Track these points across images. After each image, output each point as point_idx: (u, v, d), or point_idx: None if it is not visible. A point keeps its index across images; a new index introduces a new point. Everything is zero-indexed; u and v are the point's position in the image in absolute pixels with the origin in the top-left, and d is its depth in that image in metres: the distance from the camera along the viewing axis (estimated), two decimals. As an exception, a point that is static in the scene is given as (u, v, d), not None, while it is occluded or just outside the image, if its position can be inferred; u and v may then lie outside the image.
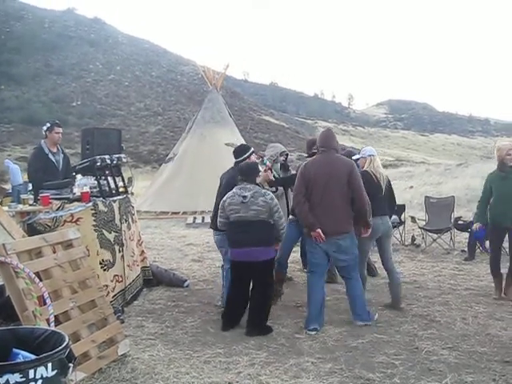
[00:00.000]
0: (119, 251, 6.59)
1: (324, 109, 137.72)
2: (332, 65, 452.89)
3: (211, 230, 6.71)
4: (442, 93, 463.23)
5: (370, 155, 6.56)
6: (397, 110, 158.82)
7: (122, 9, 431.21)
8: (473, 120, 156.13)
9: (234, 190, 5.90)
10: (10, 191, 6.68)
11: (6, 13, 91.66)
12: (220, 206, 5.94)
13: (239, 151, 6.67)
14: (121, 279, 6.62)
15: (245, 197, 5.76)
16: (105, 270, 6.25)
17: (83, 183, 6.74)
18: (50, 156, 7.31)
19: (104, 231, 6.29)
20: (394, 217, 10.67)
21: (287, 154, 7.90)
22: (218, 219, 6.00)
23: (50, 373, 2.76)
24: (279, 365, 4.79)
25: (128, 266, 6.92)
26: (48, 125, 7.39)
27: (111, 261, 6.39)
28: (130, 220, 7.19)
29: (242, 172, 6.00)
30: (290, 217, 6.99)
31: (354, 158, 6.66)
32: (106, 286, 6.20)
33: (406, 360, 4.88)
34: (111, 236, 6.44)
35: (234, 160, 6.64)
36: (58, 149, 7.46)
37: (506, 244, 7.20)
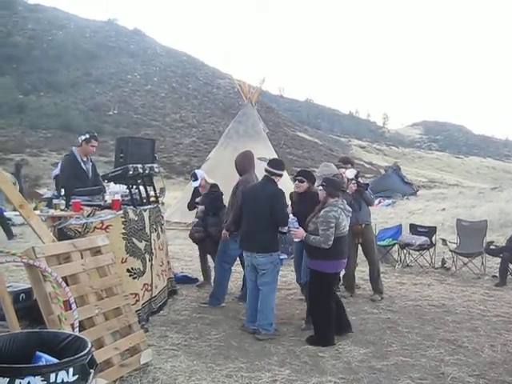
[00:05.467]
0: (149, 260, 6.62)
1: (358, 127, 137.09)
2: (368, 84, 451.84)
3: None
4: (479, 116, 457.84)
5: None
6: (432, 131, 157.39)
7: (162, 21, 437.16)
8: (509, 144, 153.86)
9: (338, 205, 5.96)
10: (49, 196, 6.86)
11: (49, 21, 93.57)
12: (331, 224, 5.83)
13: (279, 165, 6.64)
14: (149, 288, 6.64)
15: (350, 211, 6.13)
16: (134, 278, 6.26)
17: (115, 191, 6.80)
18: (82, 164, 7.37)
19: (134, 239, 6.30)
20: (424, 238, 10.58)
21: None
22: (330, 236, 5.82)
23: (71, 378, 2.78)
24: (301, 383, 4.75)
25: (157, 275, 6.94)
26: (87, 136, 7.40)
27: (141, 269, 6.40)
28: (159, 229, 7.22)
29: (340, 187, 6.22)
30: None
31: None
32: (136, 294, 6.24)
33: (431, 385, 4.79)
34: (142, 245, 6.46)
35: (265, 173, 6.59)
36: (87, 157, 7.54)
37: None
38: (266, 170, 6.46)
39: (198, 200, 8.32)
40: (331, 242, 5.80)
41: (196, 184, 8.20)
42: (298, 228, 6.03)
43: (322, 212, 5.92)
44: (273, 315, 6.32)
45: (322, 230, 5.81)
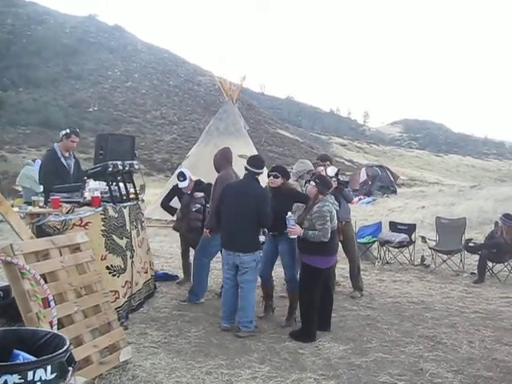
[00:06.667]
0: (130, 257, 6.58)
1: (339, 125, 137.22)
2: (349, 82, 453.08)
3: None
4: (459, 114, 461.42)
5: None
6: (412, 130, 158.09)
7: (143, 17, 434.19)
8: (488, 142, 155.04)
9: (329, 199, 6.09)
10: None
11: (29, 16, 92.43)
12: (327, 218, 5.93)
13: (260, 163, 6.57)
14: (130, 285, 6.61)
15: (338, 205, 6.27)
16: (114, 275, 6.22)
17: (94, 188, 6.75)
18: (62, 160, 7.32)
19: (114, 237, 6.26)
20: (403, 236, 10.65)
21: (314, 173, 7.89)
22: (328, 229, 5.91)
23: (49, 376, 2.75)
24: (281, 380, 4.76)
25: (138, 272, 6.91)
26: (68, 131, 7.38)
27: (122, 267, 6.36)
28: (139, 227, 7.19)
29: (329, 186, 6.30)
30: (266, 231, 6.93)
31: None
32: (116, 291, 6.19)
33: (410, 381, 4.83)
34: (123, 242, 6.42)
35: (245, 171, 6.54)
36: (70, 153, 7.49)
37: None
38: (247, 169, 6.40)
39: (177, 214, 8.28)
40: (329, 235, 5.92)
41: (184, 184, 8.08)
42: (294, 225, 6.04)
43: (315, 208, 5.99)
44: (253, 312, 6.32)
45: (320, 224, 5.90)
